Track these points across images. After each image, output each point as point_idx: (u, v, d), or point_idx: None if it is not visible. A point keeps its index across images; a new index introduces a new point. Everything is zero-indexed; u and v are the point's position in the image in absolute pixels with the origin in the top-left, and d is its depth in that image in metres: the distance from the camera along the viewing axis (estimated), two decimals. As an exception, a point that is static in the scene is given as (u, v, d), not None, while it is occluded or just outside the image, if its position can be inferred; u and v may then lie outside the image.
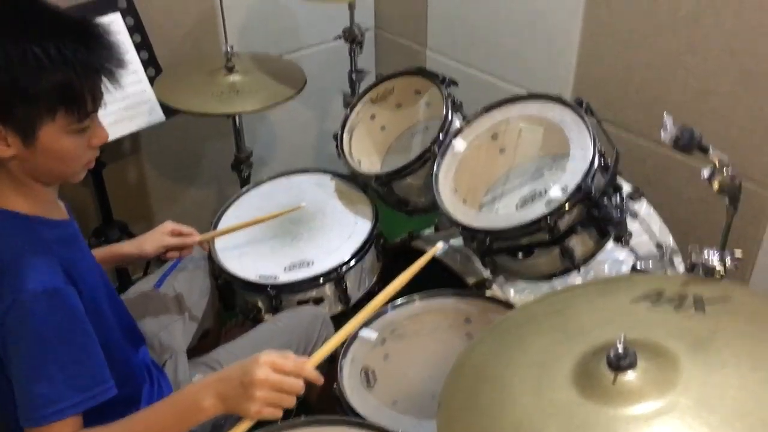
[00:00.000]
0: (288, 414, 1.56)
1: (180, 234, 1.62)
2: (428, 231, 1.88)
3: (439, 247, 1.39)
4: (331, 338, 1.21)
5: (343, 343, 1.49)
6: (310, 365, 1.13)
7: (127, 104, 1.96)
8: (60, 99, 1.06)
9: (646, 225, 1.73)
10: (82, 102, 1.08)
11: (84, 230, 1.36)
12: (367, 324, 1.52)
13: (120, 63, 1.12)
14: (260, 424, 1.14)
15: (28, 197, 1.15)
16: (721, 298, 1.02)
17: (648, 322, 1.01)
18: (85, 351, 1.11)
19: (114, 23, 1.94)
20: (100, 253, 1.52)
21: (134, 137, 2.30)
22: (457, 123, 1.75)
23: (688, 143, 1.08)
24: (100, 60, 1.09)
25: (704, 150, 1.09)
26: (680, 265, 1.57)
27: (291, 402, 1.10)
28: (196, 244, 1.66)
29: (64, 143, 1.10)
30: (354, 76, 2.24)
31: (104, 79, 1.11)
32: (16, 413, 1.09)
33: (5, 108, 1.05)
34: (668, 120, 1.09)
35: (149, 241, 1.58)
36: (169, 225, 1.62)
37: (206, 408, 1.10)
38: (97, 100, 1.11)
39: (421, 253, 1.75)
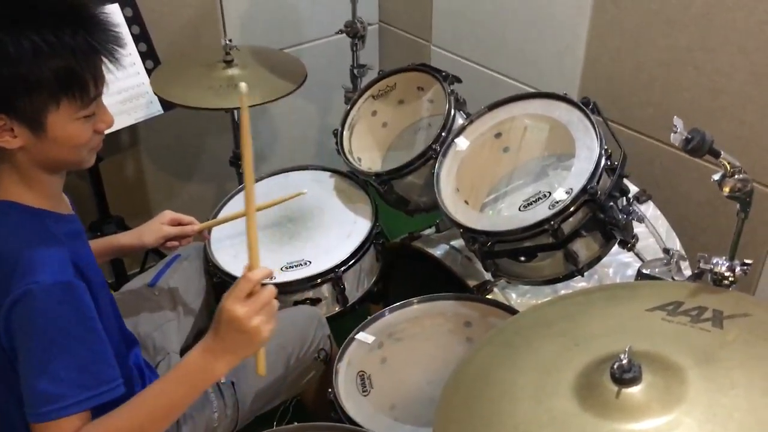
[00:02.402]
0: (283, 416, 1.54)
1: (180, 223, 1.59)
2: (429, 231, 1.84)
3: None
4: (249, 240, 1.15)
5: (340, 345, 1.46)
6: (255, 273, 1.09)
7: (125, 97, 1.93)
8: (62, 85, 1.04)
9: (653, 228, 1.69)
10: (84, 86, 1.07)
11: (80, 225, 1.33)
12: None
13: (119, 42, 1.11)
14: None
15: (35, 190, 1.13)
16: (740, 314, 0.98)
17: (660, 333, 0.97)
18: (93, 348, 1.09)
19: (112, 14, 1.90)
20: (97, 244, 1.49)
21: (132, 130, 2.27)
22: (459, 120, 1.71)
23: (699, 146, 1.03)
24: (99, 41, 1.07)
25: (715, 154, 1.05)
26: (687, 270, 1.52)
27: (275, 305, 1.11)
28: (196, 233, 1.63)
29: (71, 130, 1.08)
30: (356, 71, 2.20)
31: (105, 61, 1.09)
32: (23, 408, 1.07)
33: (8, 99, 1.03)
34: (678, 122, 1.05)
35: (148, 232, 1.55)
36: (168, 214, 1.58)
37: (220, 369, 1.10)
38: (99, 83, 1.09)
39: (421, 253, 1.73)
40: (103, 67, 1.10)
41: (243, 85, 1.08)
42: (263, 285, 1.10)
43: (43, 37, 1.01)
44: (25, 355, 1.04)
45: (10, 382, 1.10)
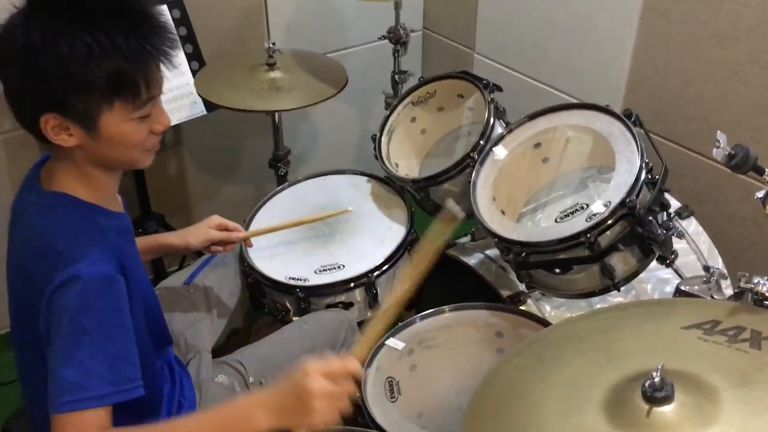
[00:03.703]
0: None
1: (226, 229, 1.61)
2: (464, 239, 1.83)
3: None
4: (367, 331, 1.19)
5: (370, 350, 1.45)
6: (354, 363, 1.10)
7: (170, 97, 1.96)
8: (114, 87, 1.06)
9: (694, 245, 1.66)
10: (136, 89, 1.08)
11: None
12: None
13: (173, 44, 1.12)
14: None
15: (90, 186, 1.15)
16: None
17: (695, 352, 0.95)
18: (121, 344, 1.10)
19: (166, 17, 1.94)
20: (144, 241, 1.52)
21: (175, 130, 2.31)
22: (499, 129, 1.69)
23: (742, 162, 1.01)
24: (153, 44, 1.08)
25: (759, 171, 1.02)
26: (727, 290, 1.48)
27: (348, 405, 1.08)
28: (241, 240, 1.64)
29: (124, 130, 1.10)
30: (397, 77, 2.20)
31: (162, 62, 1.10)
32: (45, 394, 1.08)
33: (62, 100, 1.05)
34: (721, 137, 1.02)
35: (194, 234, 1.57)
36: (215, 219, 1.60)
37: (260, 424, 1.06)
38: (151, 85, 1.10)
39: (456, 262, 1.72)
40: (159, 69, 1.11)
41: (451, 203, 1.15)
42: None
43: (96, 39, 1.03)
44: (55, 341, 1.05)
45: (39, 374, 1.11)
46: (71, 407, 1.03)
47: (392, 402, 1.37)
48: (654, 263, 1.45)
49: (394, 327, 1.52)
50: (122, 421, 1.09)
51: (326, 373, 1.06)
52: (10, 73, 1.08)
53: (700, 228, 1.70)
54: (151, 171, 2.17)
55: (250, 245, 1.72)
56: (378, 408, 1.34)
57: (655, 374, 0.86)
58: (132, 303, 1.13)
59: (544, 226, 1.51)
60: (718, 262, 1.64)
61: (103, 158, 1.13)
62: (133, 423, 1.09)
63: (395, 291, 1.20)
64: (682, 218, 1.69)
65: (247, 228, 1.81)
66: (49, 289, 1.05)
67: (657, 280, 1.61)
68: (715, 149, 1.03)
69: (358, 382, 1.15)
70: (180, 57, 1.99)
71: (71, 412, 1.03)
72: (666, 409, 0.86)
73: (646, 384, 0.87)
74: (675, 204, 1.68)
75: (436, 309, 1.54)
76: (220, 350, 1.61)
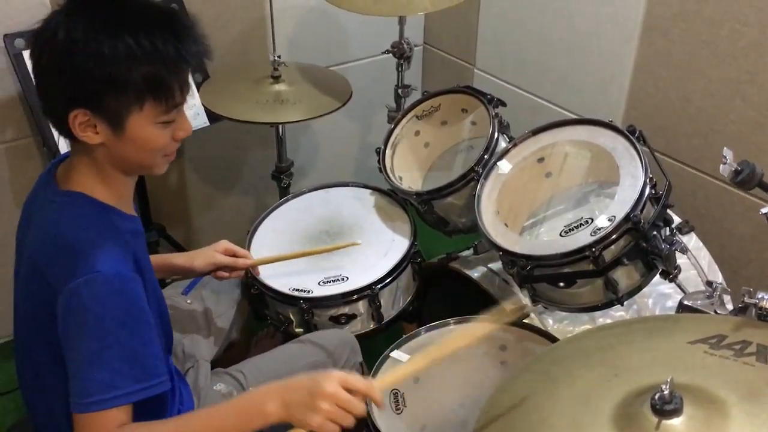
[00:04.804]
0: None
1: (234, 255, 1.61)
2: (467, 252, 1.84)
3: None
4: (402, 366, 1.23)
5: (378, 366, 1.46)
6: (376, 390, 1.12)
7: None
8: (149, 89, 1.07)
9: (695, 260, 1.67)
10: (170, 93, 1.10)
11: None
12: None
13: (208, 55, 1.15)
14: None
15: (108, 187, 1.16)
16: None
17: (702, 366, 0.96)
18: (145, 341, 1.11)
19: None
20: (152, 259, 1.52)
21: (178, 141, 2.31)
22: (502, 144, 1.71)
23: (749, 179, 1.02)
24: (190, 52, 1.10)
25: (765, 187, 1.03)
26: (729, 304, 1.50)
27: (351, 422, 1.09)
28: (247, 267, 1.64)
29: (149, 133, 1.12)
30: (400, 91, 2.21)
31: (192, 72, 1.14)
32: (56, 398, 1.09)
33: (97, 97, 1.07)
34: (728, 153, 1.04)
35: (201, 257, 1.57)
36: (223, 244, 1.61)
37: (269, 413, 1.09)
38: (185, 91, 1.13)
39: (458, 275, 1.73)
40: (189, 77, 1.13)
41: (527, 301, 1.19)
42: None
43: (138, 41, 1.05)
44: (79, 344, 1.06)
45: (52, 376, 1.12)
46: (98, 407, 1.04)
47: (398, 414, 1.38)
48: (656, 278, 1.46)
49: (399, 339, 1.53)
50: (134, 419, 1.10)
51: (346, 384, 1.08)
52: (47, 67, 1.09)
53: (700, 243, 1.71)
54: (152, 181, 2.17)
55: (258, 273, 1.71)
56: (384, 420, 1.34)
57: (664, 387, 0.87)
58: (149, 303, 1.14)
59: (549, 240, 1.52)
60: (718, 278, 1.65)
61: (124, 159, 1.15)
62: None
63: (434, 348, 1.21)
64: (682, 233, 1.70)
65: (249, 238, 1.82)
66: (68, 289, 1.05)
67: (658, 294, 1.62)
68: (721, 165, 1.04)
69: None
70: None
71: (98, 412, 1.04)
72: (675, 422, 0.86)
73: (656, 397, 0.87)
74: (675, 219, 1.70)
75: (441, 321, 1.55)
76: (217, 362, 1.60)
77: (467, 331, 1.21)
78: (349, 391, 1.08)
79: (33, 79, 1.13)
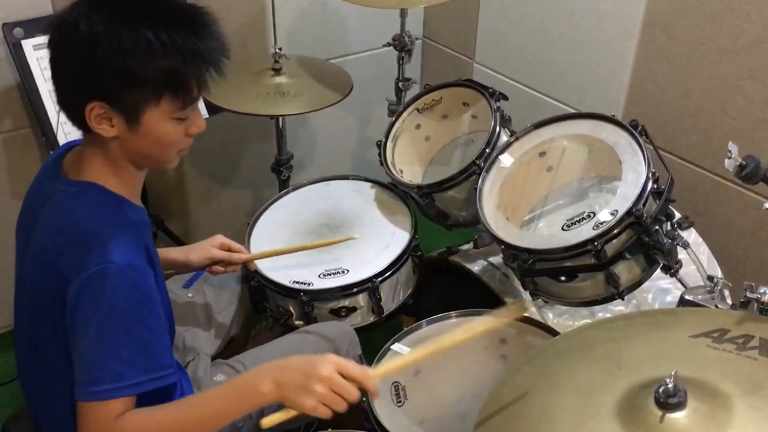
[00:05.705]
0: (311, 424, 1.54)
1: (229, 249, 1.60)
2: (467, 246, 1.84)
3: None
4: (397, 358, 1.24)
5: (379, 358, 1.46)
6: (372, 379, 1.12)
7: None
8: (167, 84, 1.08)
9: (695, 255, 1.67)
10: (187, 89, 1.10)
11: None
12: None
13: (226, 53, 1.15)
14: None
15: (119, 178, 1.16)
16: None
17: (705, 360, 0.96)
18: (155, 333, 1.11)
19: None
20: None
21: (176, 133, 2.30)
22: (504, 137, 1.71)
23: (754, 173, 1.03)
24: (209, 49, 1.10)
25: (769, 182, 1.04)
26: (729, 299, 1.51)
27: (343, 406, 1.09)
28: (243, 262, 1.64)
29: (164, 128, 1.12)
30: (401, 85, 2.21)
31: (214, 68, 1.12)
32: (60, 387, 1.09)
33: (114, 90, 1.07)
34: (733, 147, 1.04)
35: (197, 251, 1.57)
36: (219, 238, 1.60)
37: (264, 392, 1.09)
38: (201, 88, 1.13)
39: (458, 268, 1.73)
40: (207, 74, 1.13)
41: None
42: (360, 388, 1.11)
43: (158, 36, 1.05)
44: (90, 332, 1.06)
45: (54, 363, 1.12)
46: (107, 395, 1.05)
47: (399, 406, 1.38)
48: (655, 273, 1.47)
49: (400, 332, 1.53)
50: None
51: (341, 369, 1.08)
52: (67, 59, 1.09)
53: (700, 239, 1.72)
54: (150, 173, 2.13)
55: (254, 268, 1.70)
56: (385, 413, 1.34)
57: (668, 380, 0.87)
58: (160, 293, 1.15)
59: (550, 234, 1.53)
60: (717, 272, 1.66)
61: (137, 153, 1.15)
62: None
63: (434, 342, 1.21)
64: (682, 229, 1.70)
65: (249, 230, 1.82)
66: (81, 278, 1.05)
67: (657, 289, 1.63)
68: (726, 159, 1.04)
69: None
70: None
71: (103, 401, 1.05)
72: (679, 416, 0.87)
73: (660, 390, 0.88)
74: (675, 215, 1.70)
75: (443, 314, 1.55)
76: (217, 357, 1.60)
77: (467, 327, 1.21)
78: (345, 377, 1.09)
79: (50, 71, 1.12)
